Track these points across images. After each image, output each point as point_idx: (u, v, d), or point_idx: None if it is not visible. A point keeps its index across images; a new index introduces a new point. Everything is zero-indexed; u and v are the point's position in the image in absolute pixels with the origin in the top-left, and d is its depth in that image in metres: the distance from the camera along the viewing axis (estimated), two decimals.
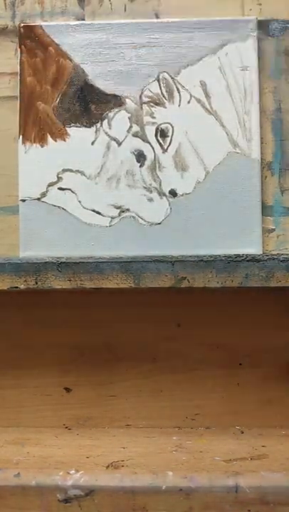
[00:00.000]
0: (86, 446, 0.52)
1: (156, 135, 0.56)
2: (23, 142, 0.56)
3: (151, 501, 0.43)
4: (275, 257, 0.52)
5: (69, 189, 0.56)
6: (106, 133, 0.55)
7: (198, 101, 0.55)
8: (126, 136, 0.56)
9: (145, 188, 0.55)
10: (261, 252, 0.54)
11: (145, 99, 0.56)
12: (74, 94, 0.56)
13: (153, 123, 0.56)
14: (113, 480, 0.44)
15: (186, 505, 0.43)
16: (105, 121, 0.56)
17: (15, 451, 0.51)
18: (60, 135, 0.56)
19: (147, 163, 0.55)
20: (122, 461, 0.48)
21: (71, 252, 0.55)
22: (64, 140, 0.56)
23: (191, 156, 0.55)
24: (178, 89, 0.55)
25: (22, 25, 0.56)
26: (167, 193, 0.55)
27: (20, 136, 0.56)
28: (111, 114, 0.56)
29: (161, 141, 0.55)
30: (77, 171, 0.56)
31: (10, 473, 0.45)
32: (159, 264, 0.52)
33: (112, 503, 0.44)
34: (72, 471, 0.45)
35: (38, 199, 0.56)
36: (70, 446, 0.52)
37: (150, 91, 0.56)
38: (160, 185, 0.55)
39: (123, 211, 0.55)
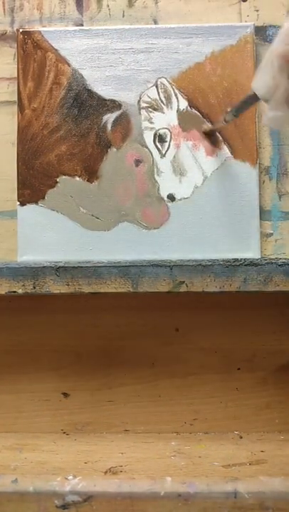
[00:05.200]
0: (84, 451, 0.52)
1: (154, 140, 0.56)
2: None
3: (149, 507, 0.43)
4: (273, 261, 0.52)
5: (67, 194, 0.56)
6: (104, 138, 0.56)
7: (196, 106, 0.55)
8: (124, 142, 0.56)
9: (143, 192, 0.55)
10: (259, 257, 0.55)
11: (143, 105, 0.56)
12: (72, 99, 0.56)
13: (151, 128, 0.56)
14: (111, 485, 0.44)
15: (185, 511, 0.43)
16: (104, 126, 0.56)
17: (12, 456, 0.50)
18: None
19: (145, 168, 0.55)
20: (121, 466, 0.48)
21: (69, 256, 0.55)
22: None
23: (189, 160, 0.55)
24: (176, 95, 0.56)
25: (21, 30, 0.56)
26: (165, 198, 0.55)
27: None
28: (109, 119, 0.56)
29: (159, 146, 0.56)
30: (76, 176, 0.56)
31: (7, 479, 0.45)
32: (158, 268, 0.52)
33: (110, 509, 0.43)
34: (70, 477, 0.45)
35: (36, 203, 0.56)
36: (67, 452, 0.52)
37: (148, 96, 0.56)
38: (158, 189, 0.55)
39: (121, 216, 0.55)
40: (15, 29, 0.57)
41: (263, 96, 0.42)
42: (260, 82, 0.42)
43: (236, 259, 0.52)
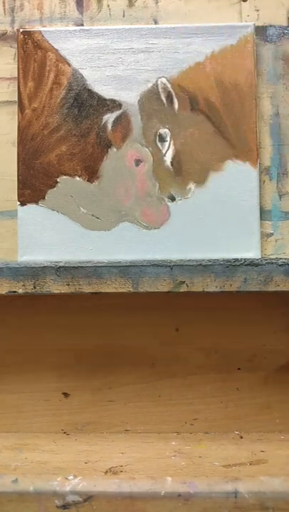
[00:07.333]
0: (84, 451, 0.52)
1: (154, 140, 0.56)
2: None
3: (150, 507, 0.43)
4: (274, 261, 0.52)
5: (68, 193, 0.56)
6: (105, 138, 0.56)
7: (196, 106, 0.55)
8: (124, 141, 0.56)
9: (144, 192, 0.55)
10: (260, 257, 0.55)
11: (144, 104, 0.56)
12: (73, 98, 0.56)
13: (151, 128, 0.56)
14: (112, 485, 0.44)
15: (185, 511, 0.43)
16: (104, 126, 0.56)
17: (13, 456, 0.50)
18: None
19: (146, 167, 0.55)
20: (121, 466, 0.48)
21: (70, 256, 0.55)
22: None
23: (189, 160, 0.55)
24: (176, 94, 0.56)
25: (21, 30, 0.56)
26: (166, 198, 0.55)
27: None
28: (110, 119, 0.56)
29: (159, 145, 0.56)
30: (76, 176, 0.56)
31: (8, 479, 0.45)
32: (158, 268, 0.52)
33: (110, 509, 0.43)
34: (71, 477, 0.45)
35: (37, 203, 0.56)
36: (68, 452, 0.52)
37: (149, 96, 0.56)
38: (159, 189, 0.55)
39: (122, 215, 0.55)
40: (15, 29, 0.57)
41: None
42: None
43: (236, 259, 0.52)
